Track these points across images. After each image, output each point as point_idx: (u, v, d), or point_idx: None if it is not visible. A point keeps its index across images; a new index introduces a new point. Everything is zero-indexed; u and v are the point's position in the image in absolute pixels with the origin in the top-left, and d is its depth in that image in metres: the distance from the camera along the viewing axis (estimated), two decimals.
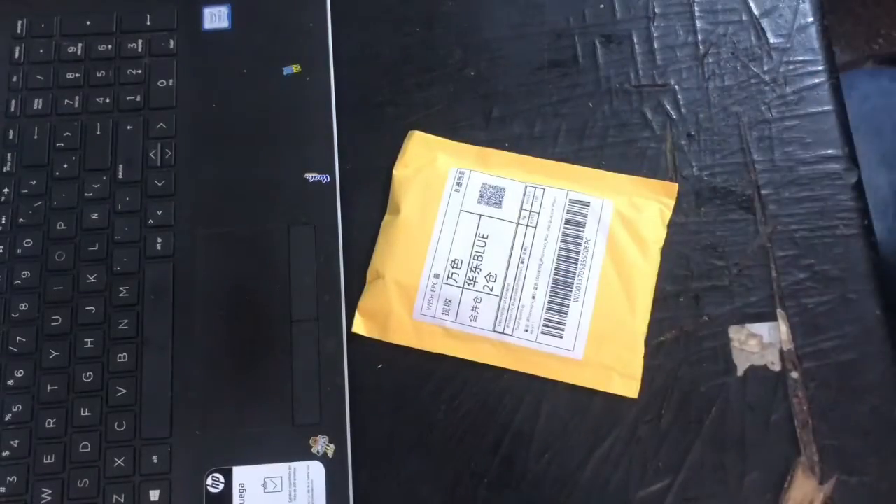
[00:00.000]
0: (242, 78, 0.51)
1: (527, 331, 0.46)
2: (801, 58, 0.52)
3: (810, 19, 0.53)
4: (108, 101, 0.51)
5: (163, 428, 0.45)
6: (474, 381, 0.47)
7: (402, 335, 0.47)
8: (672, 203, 0.49)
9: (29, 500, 0.44)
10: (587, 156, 0.50)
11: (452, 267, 0.47)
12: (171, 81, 0.51)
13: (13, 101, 0.51)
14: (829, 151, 0.50)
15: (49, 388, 0.45)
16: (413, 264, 0.47)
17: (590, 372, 0.46)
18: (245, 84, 0.51)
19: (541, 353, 0.46)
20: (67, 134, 0.50)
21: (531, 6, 0.54)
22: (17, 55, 0.52)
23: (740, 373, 0.46)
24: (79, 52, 0.52)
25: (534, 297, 0.46)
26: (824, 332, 0.47)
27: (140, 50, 0.52)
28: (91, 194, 0.49)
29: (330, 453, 0.44)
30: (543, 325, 0.46)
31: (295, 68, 0.51)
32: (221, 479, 0.44)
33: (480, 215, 0.48)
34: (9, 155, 0.50)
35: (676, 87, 0.52)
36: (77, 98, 0.51)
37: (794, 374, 0.46)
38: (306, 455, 0.44)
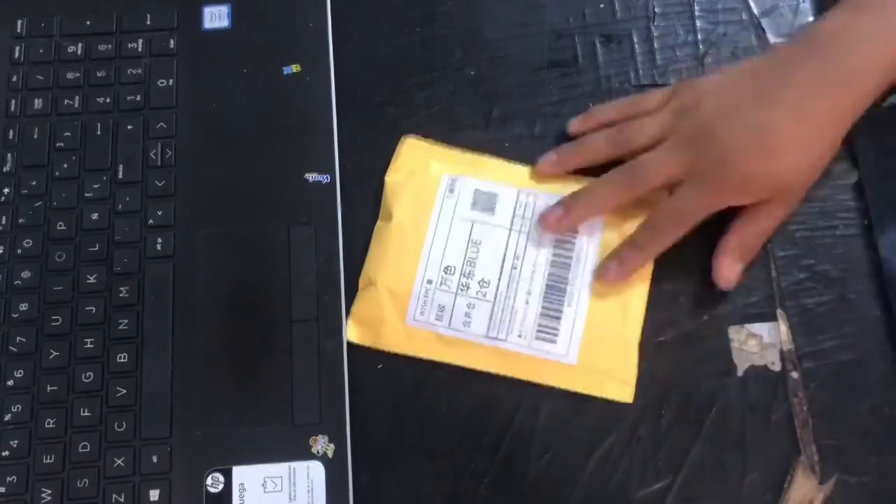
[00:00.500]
0: (242, 78, 0.51)
1: (520, 336, 0.46)
2: None
3: (810, 19, 0.53)
4: (108, 101, 0.51)
5: (163, 428, 0.45)
6: (474, 381, 0.46)
7: (395, 342, 0.47)
8: None
9: (29, 500, 0.44)
10: None
11: (445, 273, 0.47)
12: (171, 81, 0.51)
13: (13, 101, 0.51)
14: None
15: (49, 388, 0.45)
16: (406, 270, 0.47)
17: (583, 377, 0.46)
18: (245, 84, 0.51)
19: (534, 359, 0.46)
20: (67, 134, 0.50)
21: (531, 6, 0.54)
22: (17, 55, 0.52)
23: (740, 373, 0.46)
24: (79, 52, 0.52)
25: (527, 303, 0.46)
26: (824, 332, 0.47)
27: (140, 50, 0.52)
28: (91, 194, 0.49)
29: (330, 453, 0.44)
30: (537, 331, 0.46)
31: (295, 68, 0.51)
32: (221, 479, 0.44)
33: (473, 221, 0.48)
34: (9, 155, 0.50)
35: None
36: (77, 98, 0.51)
37: (794, 374, 0.46)
38: (306, 455, 0.44)
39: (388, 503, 0.45)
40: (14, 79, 0.51)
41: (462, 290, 0.47)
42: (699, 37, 0.53)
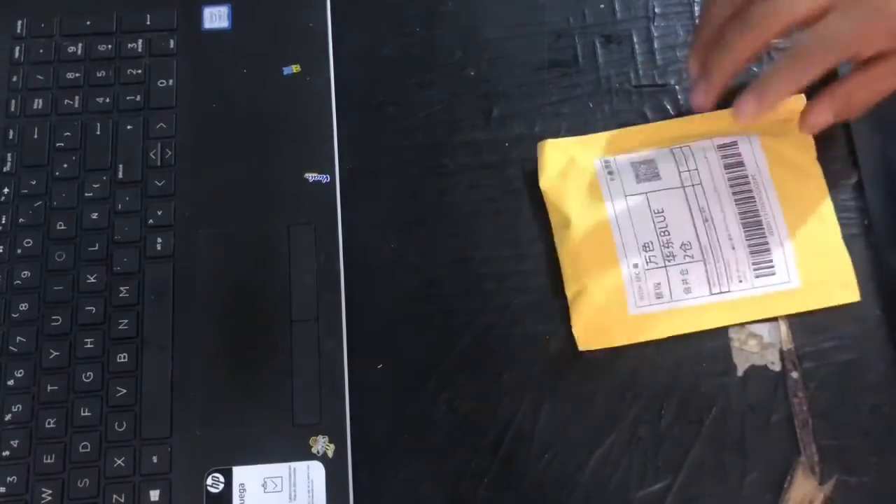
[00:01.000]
0: (242, 78, 0.51)
1: (741, 281, 0.46)
2: None
3: None
4: (108, 101, 0.51)
5: (163, 428, 0.45)
6: (474, 381, 0.47)
7: (626, 335, 0.46)
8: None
9: (29, 500, 0.44)
10: None
11: (646, 251, 0.47)
12: (171, 81, 0.51)
13: (13, 101, 0.51)
14: (829, 151, 0.50)
15: (49, 388, 0.45)
16: (608, 265, 0.47)
17: (812, 294, 0.46)
18: (245, 84, 0.51)
19: (763, 297, 0.46)
20: (67, 134, 0.50)
21: (531, 6, 0.54)
22: (17, 55, 0.52)
23: (740, 373, 0.46)
24: (79, 52, 0.52)
25: (733, 248, 0.46)
26: (824, 332, 0.47)
27: (140, 50, 0.52)
28: (91, 194, 0.49)
29: (330, 453, 0.44)
30: (754, 270, 0.46)
31: (295, 68, 0.51)
32: (221, 479, 0.44)
33: (646, 193, 0.48)
34: (9, 155, 0.50)
35: (676, 87, 0.52)
36: (77, 98, 0.51)
37: (794, 374, 0.46)
38: (306, 455, 0.44)
39: (388, 503, 0.45)
40: (14, 79, 0.51)
41: (669, 260, 0.47)
42: None
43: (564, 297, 0.47)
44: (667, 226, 0.47)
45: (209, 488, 0.44)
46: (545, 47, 0.53)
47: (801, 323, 0.47)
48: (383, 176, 0.50)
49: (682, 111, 0.51)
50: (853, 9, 0.41)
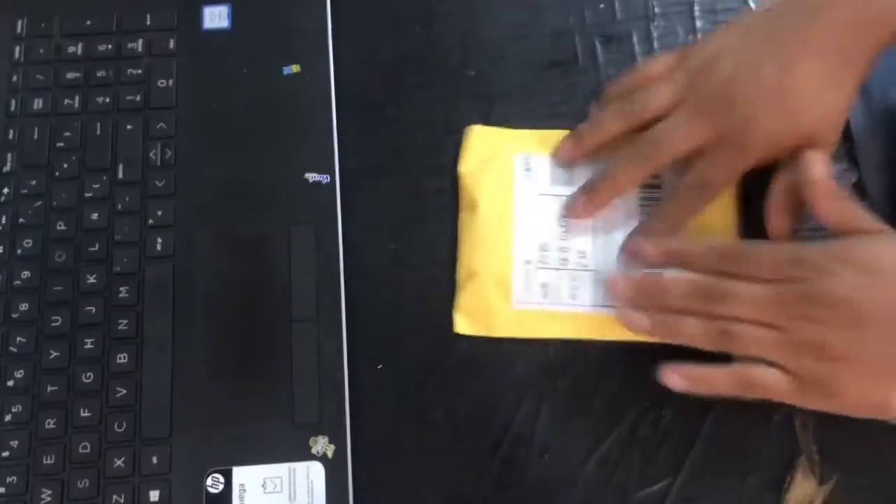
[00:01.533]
0: (242, 78, 0.51)
1: None
2: None
3: None
4: (108, 101, 0.51)
5: (163, 428, 0.45)
6: (474, 381, 0.47)
7: (506, 327, 0.47)
8: None
9: (29, 500, 0.43)
10: None
11: (542, 251, 0.47)
12: (171, 81, 0.51)
13: (13, 101, 0.51)
14: None
15: (49, 388, 0.45)
16: (502, 256, 0.47)
17: None
18: (245, 84, 0.51)
19: None
20: (67, 134, 0.50)
21: (531, 6, 0.54)
22: (17, 55, 0.52)
23: None
24: (79, 52, 0.52)
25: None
26: None
27: (140, 50, 0.52)
28: (91, 194, 0.49)
29: (330, 453, 0.44)
30: None
31: (295, 68, 0.51)
32: (221, 479, 0.44)
33: (556, 195, 0.48)
34: (9, 155, 0.50)
35: None
36: (77, 98, 0.51)
37: None
38: (306, 455, 0.44)
39: (388, 503, 0.45)
40: (14, 79, 0.51)
41: (562, 264, 0.47)
42: (699, 37, 0.53)
43: None
44: (567, 231, 0.48)
45: (209, 488, 0.44)
46: (545, 47, 0.53)
47: None
48: (383, 176, 0.50)
49: None
50: (724, 150, 0.43)
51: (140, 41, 0.52)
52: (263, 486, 0.44)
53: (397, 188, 0.50)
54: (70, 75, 0.51)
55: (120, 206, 0.49)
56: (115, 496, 0.44)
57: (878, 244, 0.40)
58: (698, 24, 0.53)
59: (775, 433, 0.45)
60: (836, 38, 0.42)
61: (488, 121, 0.51)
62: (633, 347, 0.46)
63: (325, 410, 0.45)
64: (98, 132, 0.50)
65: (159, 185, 0.49)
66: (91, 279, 0.47)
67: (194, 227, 0.48)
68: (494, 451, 0.45)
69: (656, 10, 0.54)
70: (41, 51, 0.52)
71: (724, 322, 0.41)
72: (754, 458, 0.45)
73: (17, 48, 0.52)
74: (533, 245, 0.47)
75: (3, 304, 0.47)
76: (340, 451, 0.44)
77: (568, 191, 0.48)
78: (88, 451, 0.44)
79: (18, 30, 0.52)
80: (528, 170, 0.49)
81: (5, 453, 0.44)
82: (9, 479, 0.44)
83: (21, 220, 0.48)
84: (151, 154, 0.50)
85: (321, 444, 0.44)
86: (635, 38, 0.53)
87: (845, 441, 0.45)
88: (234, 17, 0.53)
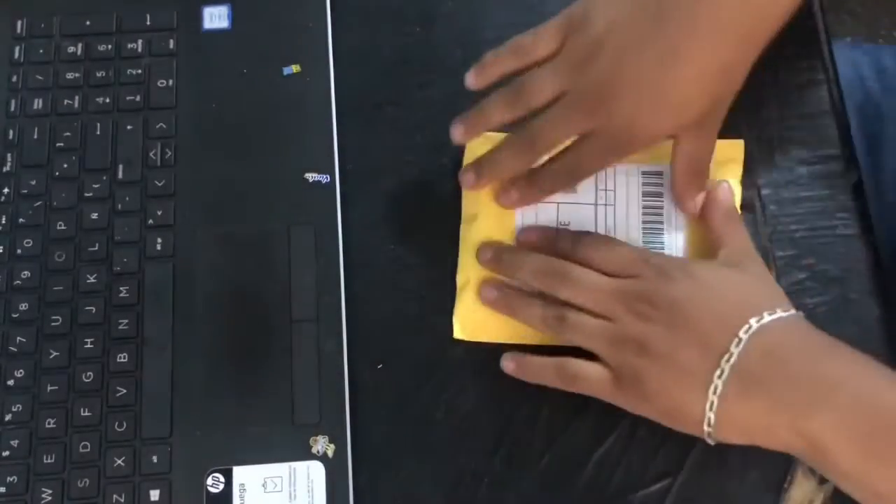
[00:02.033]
0: (242, 78, 0.51)
1: None
2: (801, 57, 0.52)
3: (810, 19, 0.53)
4: (108, 101, 0.51)
5: (163, 428, 0.45)
6: (474, 381, 0.47)
7: (502, 333, 0.46)
8: (741, 161, 0.48)
9: (29, 500, 0.44)
10: None
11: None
12: (171, 81, 0.51)
13: (13, 101, 0.51)
14: (829, 151, 0.50)
15: (49, 388, 0.45)
16: None
17: None
18: (245, 84, 0.51)
19: None
20: (67, 134, 0.50)
21: (531, 6, 0.54)
22: (17, 55, 0.52)
23: None
24: (79, 52, 0.52)
25: None
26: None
27: (140, 50, 0.52)
28: (91, 194, 0.49)
29: (330, 453, 0.44)
30: None
31: (295, 68, 0.51)
32: (221, 479, 0.44)
33: (558, 203, 0.48)
34: (9, 155, 0.50)
35: None
36: (77, 98, 0.51)
37: None
38: (306, 455, 0.44)
39: (388, 503, 0.45)
40: (14, 79, 0.51)
41: None
42: None
43: None
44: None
45: (209, 488, 0.44)
46: None
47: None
48: (383, 176, 0.50)
49: None
50: (603, 141, 0.43)
51: (140, 41, 0.52)
52: (264, 485, 0.44)
53: (397, 188, 0.50)
54: (70, 75, 0.51)
55: (120, 206, 0.49)
56: (115, 496, 0.44)
57: (718, 267, 0.43)
58: None
59: None
60: (726, 21, 0.41)
61: None
62: None
63: (325, 410, 0.45)
64: (98, 132, 0.50)
65: (159, 185, 0.49)
66: (91, 279, 0.47)
67: (194, 227, 0.48)
68: (494, 451, 0.45)
69: None
70: (41, 51, 0.52)
71: (563, 309, 0.44)
72: (754, 458, 0.45)
73: (17, 48, 0.52)
74: None
75: (3, 304, 0.47)
76: (340, 451, 0.44)
77: (567, 198, 0.48)
78: (88, 450, 0.44)
79: (18, 30, 0.52)
80: None
81: (5, 453, 0.44)
82: (9, 479, 0.44)
83: (21, 220, 0.48)
84: (151, 154, 0.50)
85: (321, 444, 0.44)
86: None
87: None
88: (234, 17, 0.53)
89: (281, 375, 0.45)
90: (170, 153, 0.50)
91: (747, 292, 0.42)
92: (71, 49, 0.52)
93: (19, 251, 0.48)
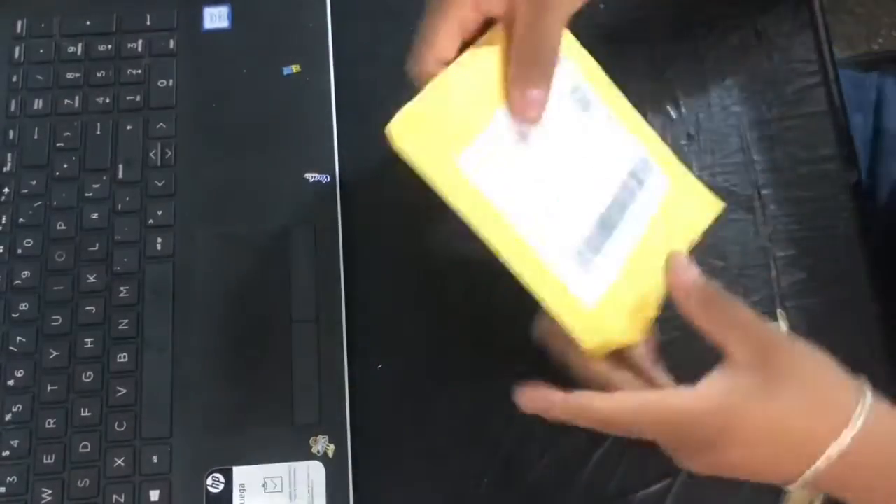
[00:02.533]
0: (242, 78, 0.51)
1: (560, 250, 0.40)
2: (800, 58, 0.52)
3: (810, 19, 0.53)
4: (108, 101, 0.51)
5: (163, 428, 0.45)
6: (474, 381, 0.46)
7: (435, 171, 0.39)
8: (712, 218, 0.44)
9: (29, 500, 0.44)
10: None
11: (534, 146, 0.40)
12: (171, 81, 0.51)
13: (13, 101, 0.51)
14: (829, 151, 0.50)
15: (49, 388, 0.45)
16: (482, 105, 0.40)
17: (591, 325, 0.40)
18: (245, 84, 0.51)
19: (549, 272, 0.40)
20: (67, 134, 0.50)
21: None
22: (17, 55, 0.52)
23: None
24: (79, 52, 0.52)
25: (579, 217, 0.40)
26: (824, 333, 0.46)
27: (140, 50, 0.52)
28: (91, 194, 0.49)
29: (330, 453, 0.44)
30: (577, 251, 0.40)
31: (295, 68, 0.51)
32: (221, 479, 0.44)
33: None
34: (9, 155, 0.50)
35: (676, 87, 0.52)
36: (77, 98, 0.51)
37: None
38: (306, 455, 0.44)
39: (388, 503, 0.45)
40: (14, 79, 0.51)
41: (540, 174, 0.40)
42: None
43: None
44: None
45: (209, 488, 0.44)
46: None
47: (802, 323, 0.47)
48: (383, 176, 0.50)
49: (681, 111, 0.51)
50: None
51: (140, 41, 0.52)
52: (264, 485, 0.44)
53: (397, 188, 0.50)
54: (70, 75, 0.51)
55: (120, 206, 0.49)
56: (115, 496, 0.44)
57: (746, 410, 0.38)
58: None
59: None
60: None
61: None
62: None
63: (325, 410, 0.45)
64: (98, 132, 0.50)
65: (159, 185, 0.49)
66: (91, 279, 0.47)
67: (194, 227, 0.48)
68: (494, 452, 0.45)
69: None
70: (41, 51, 0.52)
71: None
72: None
73: (17, 48, 0.52)
74: (525, 145, 0.40)
75: (3, 304, 0.47)
76: (340, 451, 0.44)
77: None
78: (89, 450, 0.44)
79: (18, 30, 0.52)
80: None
81: (5, 453, 0.44)
82: (9, 479, 0.44)
83: (21, 220, 0.48)
84: (151, 154, 0.50)
85: (321, 444, 0.44)
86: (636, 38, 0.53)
87: None
88: (234, 17, 0.53)
89: (281, 375, 0.46)
90: (170, 153, 0.50)
91: (797, 436, 0.37)
92: (71, 49, 0.52)
93: (19, 251, 0.48)
